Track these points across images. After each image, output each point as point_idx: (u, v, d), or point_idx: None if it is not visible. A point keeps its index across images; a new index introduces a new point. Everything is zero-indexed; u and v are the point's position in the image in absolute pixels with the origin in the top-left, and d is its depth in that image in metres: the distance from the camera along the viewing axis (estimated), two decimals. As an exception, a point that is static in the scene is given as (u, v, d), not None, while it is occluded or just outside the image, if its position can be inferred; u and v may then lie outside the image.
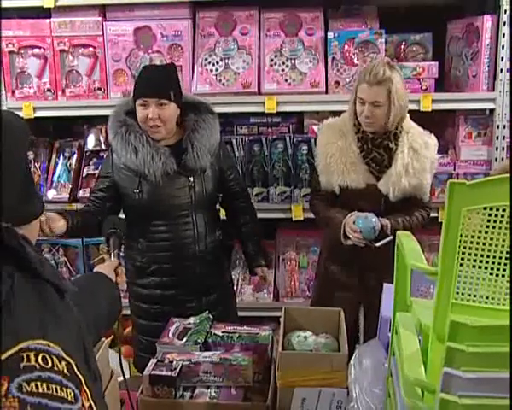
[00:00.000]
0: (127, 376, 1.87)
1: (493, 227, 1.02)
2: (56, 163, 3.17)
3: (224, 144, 2.60)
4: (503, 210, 1.00)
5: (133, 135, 2.33)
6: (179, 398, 1.78)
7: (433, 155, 2.48)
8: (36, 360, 0.78)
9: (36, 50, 3.03)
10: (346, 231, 2.36)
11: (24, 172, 1.03)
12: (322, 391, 1.69)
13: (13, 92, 3.06)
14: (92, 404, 0.83)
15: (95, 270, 1.75)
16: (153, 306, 2.48)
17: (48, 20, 3.00)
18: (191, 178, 2.38)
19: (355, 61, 2.91)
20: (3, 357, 0.76)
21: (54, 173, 3.14)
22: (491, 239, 1.02)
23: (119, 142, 2.34)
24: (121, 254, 1.98)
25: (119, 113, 2.39)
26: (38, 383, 0.77)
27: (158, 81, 2.33)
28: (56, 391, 0.79)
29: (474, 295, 1.06)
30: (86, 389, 0.83)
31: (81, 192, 3.07)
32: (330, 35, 2.90)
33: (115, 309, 1.64)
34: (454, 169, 2.99)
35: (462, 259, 1.05)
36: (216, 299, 2.51)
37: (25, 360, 0.77)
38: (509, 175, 1.01)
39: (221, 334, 2.05)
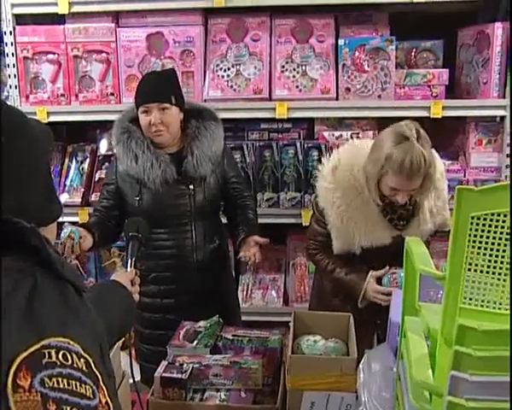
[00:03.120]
0: (137, 378, 1.89)
1: (501, 233, 1.03)
2: (69, 167, 3.21)
3: (228, 151, 2.58)
4: None
5: (134, 141, 2.33)
6: (189, 400, 1.79)
7: (445, 178, 2.34)
8: (57, 357, 0.81)
9: (50, 56, 3.07)
10: (371, 296, 2.21)
11: (46, 175, 1.06)
12: (331, 395, 1.70)
13: (27, 97, 3.10)
14: (108, 401, 0.86)
15: (112, 278, 1.76)
16: (154, 314, 2.48)
17: (62, 27, 3.04)
18: (191, 186, 2.37)
19: (366, 68, 2.93)
20: (27, 353, 0.79)
21: (66, 177, 3.18)
22: (499, 245, 1.04)
23: (121, 148, 2.36)
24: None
25: (123, 120, 2.42)
26: (59, 379, 0.80)
27: (158, 86, 2.34)
28: (76, 387, 0.82)
29: (482, 300, 1.07)
30: (103, 385, 0.86)
31: (93, 196, 3.10)
32: (341, 42, 2.92)
33: (129, 320, 1.67)
34: (464, 176, 2.99)
35: (470, 264, 1.06)
36: (217, 308, 2.39)
37: (46, 356, 0.81)
38: (517, 181, 1.02)
39: (231, 337, 2.07)
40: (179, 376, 1.79)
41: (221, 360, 1.89)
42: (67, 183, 3.16)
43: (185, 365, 1.85)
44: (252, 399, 1.82)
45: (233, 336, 2.07)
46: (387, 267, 2.21)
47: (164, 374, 1.81)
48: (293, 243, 3.29)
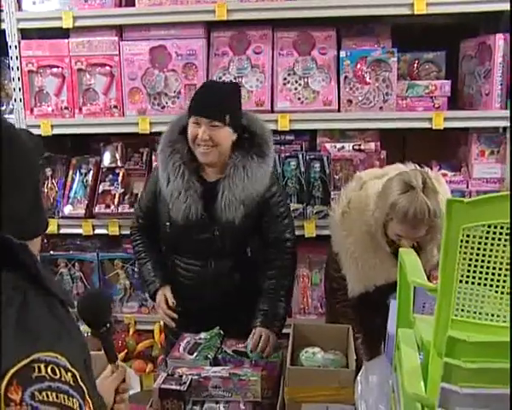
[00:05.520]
0: (138, 390, 1.90)
1: (492, 244, 1.03)
2: (73, 179, 3.22)
3: (277, 191, 2.32)
4: (501, 228, 1.01)
5: (172, 162, 2.21)
6: (188, 412, 1.80)
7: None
8: (46, 371, 0.83)
9: (54, 70, 3.09)
10: None
11: (33, 188, 1.07)
12: (329, 407, 1.70)
13: (32, 110, 3.12)
14: None
15: (97, 381, 1.31)
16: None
17: (66, 41, 3.07)
18: (217, 227, 2.24)
19: (367, 80, 2.93)
20: (18, 367, 0.81)
21: (70, 189, 3.19)
22: (490, 256, 1.04)
23: (161, 159, 2.26)
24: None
25: (174, 130, 2.29)
26: (49, 393, 0.83)
27: (214, 101, 2.18)
28: (64, 400, 0.84)
29: (474, 312, 1.06)
30: (88, 399, 0.88)
31: (97, 208, 3.12)
32: (342, 54, 2.93)
33: None
34: (467, 187, 2.98)
35: (462, 275, 1.06)
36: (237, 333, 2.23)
37: (36, 370, 0.83)
38: (507, 193, 1.02)
39: (231, 353, 2.07)
40: (178, 387, 1.80)
41: (220, 371, 1.89)
42: (71, 195, 3.17)
43: (184, 376, 1.86)
44: (251, 411, 1.82)
45: (233, 351, 2.07)
46: None
47: (162, 386, 1.81)
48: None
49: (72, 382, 0.86)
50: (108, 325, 1.38)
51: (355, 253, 2.22)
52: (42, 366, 0.83)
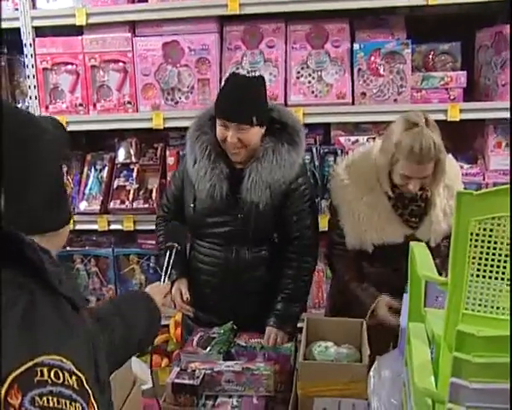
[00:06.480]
0: (150, 385, 1.91)
1: (502, 237, 1.01)
2: (88, 175, 3.24)
3: (304, 184, 2.29)
4: (512, 220, 1.00)
5: (199, 143, 2.21)
6: (201, 406, 1.81)
7: (460, 180, 2.34)
8: (49, 375, 0.81)
9: (68, 67, 3.11)
10: (381, 320, 2.17)
11: (54, 182, 1.06)
12: (342, 402, 1.69)
13: (47, 107, 3.15)
14: None
15: (146, 289, 1.75)
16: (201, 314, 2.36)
17: (80, 38, 3.08)
18: (241, 210, 2.22)
19: (381, 72, 2.90)
20: (20, 371, 0.79)
21: (86, 185, 3.22)
22: (501, 249, 1.02)
23: (189, 145, 2.26)
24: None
25: (202, 118, 2.28)
26: (50, 398, 0.80)
27: (239, 105, 2.14)
28: (66, 405, 0.81)
29: (485, 306, 1.05)
30: (94, 402, 0.85)
31: (111, 204, 3.13)
32: (356, 46, 2.91)
33: (151, 333, 1.67)
34: (483, 179, 2.94)
35: (473, 269, 1.04)
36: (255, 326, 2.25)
37: (39, 374, 0.80)
38: (518, 184, 1.00)
39: (244, 344, 2.08)
40: (191, 382, 1.81)
41: (233, 366, 1.90)
42: (86, 191, 3.20)
43: (197, 371, 1.86)
44: (264, 405, 1.83)
45: (246, 343, 2.08)
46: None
47: (176, 380, 1.82)
48: (311, 248, 3.27)
49: (76, 386, 0.84)
50: (178, 247, 1.89)
51: (353, 201, 2.22)
52: (45, 369, 0.81)
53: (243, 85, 2.22)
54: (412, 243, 1.25)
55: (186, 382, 1.80)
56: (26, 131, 1.00)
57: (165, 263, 1.86)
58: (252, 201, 2.19)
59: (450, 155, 2.24)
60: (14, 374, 0.78)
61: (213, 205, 2.22)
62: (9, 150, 0.93)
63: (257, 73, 2.89)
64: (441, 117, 2.82)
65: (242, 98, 2.16)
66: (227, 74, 2.97)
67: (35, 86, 3.13)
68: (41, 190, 1.02)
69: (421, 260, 1.18)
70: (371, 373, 1.60)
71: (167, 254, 1.88)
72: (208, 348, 2.04)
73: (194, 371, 1.86)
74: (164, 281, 1.82)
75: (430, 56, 3.05)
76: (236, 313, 2.24)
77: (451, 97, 2.89)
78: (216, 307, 2.31)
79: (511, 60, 2.79)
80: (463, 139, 3.12)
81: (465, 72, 2.90)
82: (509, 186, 1.00)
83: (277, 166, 2.18)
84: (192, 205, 2.26)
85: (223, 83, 2.29)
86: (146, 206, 3.09)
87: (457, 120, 2.84)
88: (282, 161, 2.19)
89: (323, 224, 2.97)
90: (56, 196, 1.08)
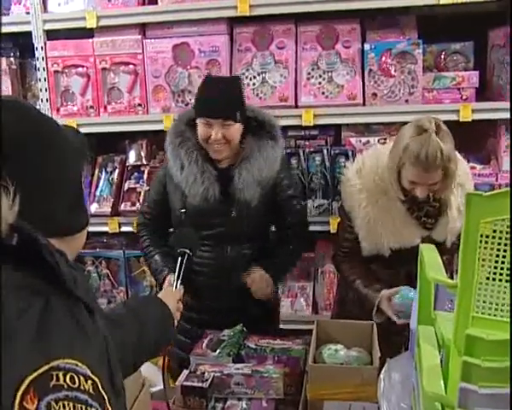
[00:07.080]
0: (160, 388, 1.90)
1: (512, 239, 0.99)
2: (99, 178, 3.26)
3: (287, 172, 2.40)
4: (522, 221, 0.98)
5: (184, 149, 2.24)
6: (210, 409, 1.80)
7: (470, 177, 2.33)
8: (64, 380, 0.80)
9: (79, 69, 3.12)
10: (386, 312, 2.14)
11: (75, 185, 1.06)
12: (352, 405, 1.67)
13: (58, 110, 3.17)
14: None
15: (160, 295, 1.77)
16: (186, 324, 2.38)
17: (90, 40, 3.10)
18: (234, 209, 2.26)
19: (392, 73, 2.88)
20: (35, 375, 0.78)
21: (97, 188, 3.23)
22: (512, 251, 1.00)
23: (170, 152, 2.28)
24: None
25: (179, 124, 2.32)
26: (65, 403, 0.79)
27: (222, 101, 2.20)
28: None
29: (496, 309, 1.03)
30: (109, 407, 0.84)
31: (122, 206, 3.15)
32: (367, 47, 2.89)
33: (165, 339, 1.67)
34: (496, 180, 2.91)
35: (482, 271, 1.02)
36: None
37: (54, 378, 0.79)
38: (529, 185, 0.99)
39: (254, 347, 2.07)
40: (200, 385, 1.80)
41: (243, 368, 1.88)
42: (97, 193, 3.21)
43: (206, 373, 1.85)
44: (273, 408, 1.81)
45: (256, 345, 2.07)
46: (400, 287, 2.14)
47: (185, 383, 1.81)
48: (322, 250, 3.26)
49: (91, 390, 0.82)
50: (190, 253, 1.89)
51: (367, 207, 2.19)
52: (60, 374, 0.80)
53: (224, 84, 2.33)
54: (422, 246, 1.24)
55: (195, 384, 1.79)
56: (55, 138, 1.01)
57: (177, 269, 1.88)
58: (245, 199, 2.24)
59: (457, 153, 2.20)
60: (30, 378, 0.77)
61: (207, 208, 2.25)
62: (40, 155, 0.95)
63: (266, 75, 2.97)
64: (453, 117, 2.80)
65: (225, 95, 2.22)
66: (237, 76, 2.99)
67: (46, 89, 3.15)
68: (65, 195, 1.03)
69: (431, 262, 1.16)
70: (381, 376, 1.58)
71: (179, 259, 1.89)
72: (218, 351, 2.03)
73: (204, 373, 1.86)
74: (176, 286, 1.84)
75: (442, 56, 3.02)
76: (236, 313, 2.26)
77: (463, 97, 2.86)
78: (212, 307, 2.34)
79: (511, 60, 2.75)
80: (476, 140, 3.09)
81: (477, 71, 2.87)
82: (519, 187, 0.98)
83: (265, 163, 2.25)
84: (182, 210, 2.29)
85: (199, 85, 2.33)
86: (157, 208, 3.10)
87: (469, 120, 2.81)
88: (269, 157, 2.26)
89: (334, 226, 2.97)
90: (77, 201, 1.08)
